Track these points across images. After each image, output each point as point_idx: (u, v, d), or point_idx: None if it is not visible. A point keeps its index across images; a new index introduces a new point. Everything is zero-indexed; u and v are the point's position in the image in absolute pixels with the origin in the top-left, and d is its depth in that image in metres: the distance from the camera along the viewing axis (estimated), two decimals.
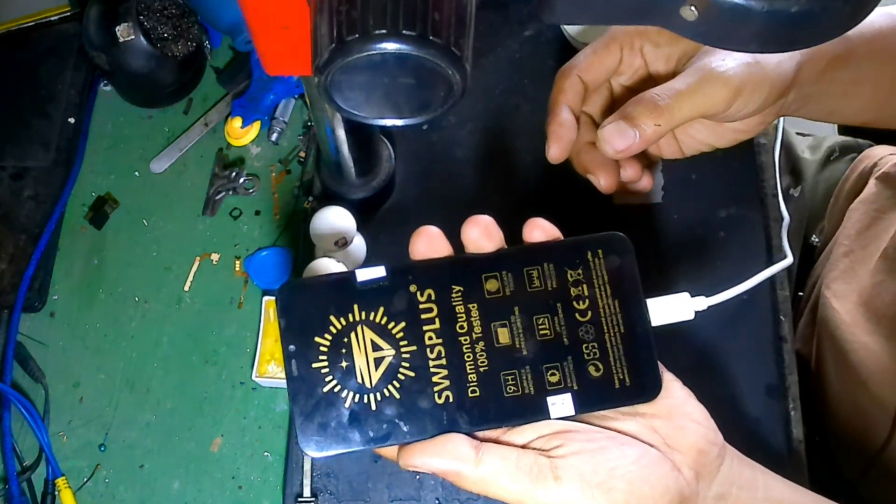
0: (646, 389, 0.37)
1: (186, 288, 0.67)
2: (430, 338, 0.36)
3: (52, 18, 0.74)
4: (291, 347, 0.36)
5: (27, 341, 0.66)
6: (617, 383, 0.37)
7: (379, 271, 0.37)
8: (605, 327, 0.37)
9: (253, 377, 0.61)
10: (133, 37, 0.65)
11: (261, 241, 0.68)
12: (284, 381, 0.60)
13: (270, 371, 0.60)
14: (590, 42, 0.69)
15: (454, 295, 0.37)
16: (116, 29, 0.65)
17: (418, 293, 0.37)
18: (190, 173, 0.71)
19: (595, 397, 0.37)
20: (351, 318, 0.36)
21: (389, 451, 0.36)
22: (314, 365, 0.36)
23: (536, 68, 0.72)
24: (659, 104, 0.45)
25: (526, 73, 0.72)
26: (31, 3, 0.74)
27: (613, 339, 0.37)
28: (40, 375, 0.64)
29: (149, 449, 0.63)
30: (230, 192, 0.70)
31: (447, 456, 0.34)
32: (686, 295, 0.39)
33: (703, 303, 0.40)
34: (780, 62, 0.46)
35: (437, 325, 0.36)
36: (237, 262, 0.68)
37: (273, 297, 0.63)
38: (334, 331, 0.36)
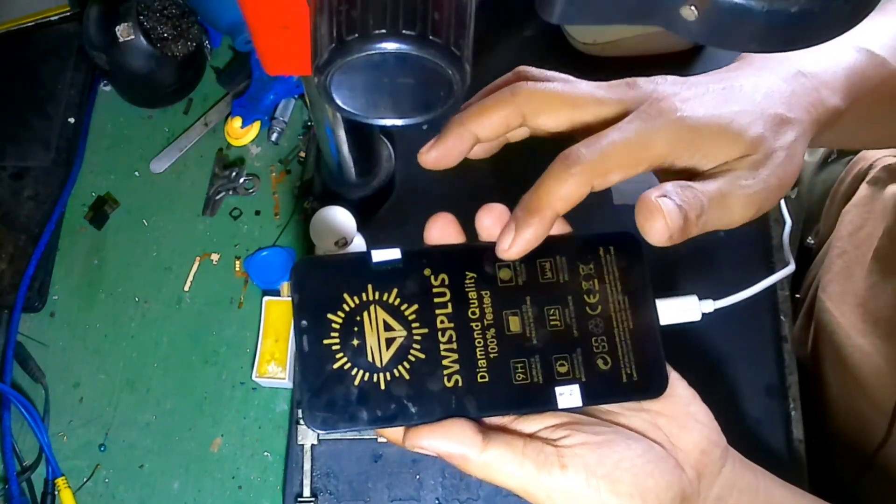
0: (652, 386, 0.37)
1: (186, 288, 0.67)
2: (442, 321, 0.36)
3: (52, 18, 0.74)
4: (303, 323, 0.36)
5: (27, 341, 0.66)
6: (624, 378, 0.37)
7: (394, 253, 0.37)
8: (614, 322, 0.38)
9: (253, 377, 0.61)
10: (133, 37, 0.65)
11: (261, 241, 0.68)
12: (284, 381, 0.60)
13: (270, 371, 0.60)
14: (590, 42, 0.69)
15: (467, 281, 0.37)
16: (116, 29, 0.65)
17: (432, 277, 0.37)
18: (190, 173, 0.71)
19: (602, 390, 0.37)
20: (364, 298, 0.36)
21: (394, 434, 0.36)
22: (325, 341, 0.35)
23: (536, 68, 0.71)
24: (701, 211, 0.37)
25: None
26: (31, 3, 0.74)
27: (622, 334, 0.38)
28: (40, 375, 0.64)
29: (149, 449, 0.63)
30: (230, 192, 0.70)
31: (454, 439, 0.34)
32: (694, 298, 0.40)
33: (710, 305, 0.40)
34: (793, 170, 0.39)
35: (449, 310, 0.37)
36: (237, 262, 0.68)
37: (273, 298, 0.63)
38: (347, 309, 0.36)
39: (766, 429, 0.60)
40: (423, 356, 0.36)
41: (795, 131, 0.39)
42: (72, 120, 0.72)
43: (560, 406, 0.36)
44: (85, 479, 0.62)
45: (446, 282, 0.37)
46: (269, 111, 0.72)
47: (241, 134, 0.71)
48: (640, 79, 0.41)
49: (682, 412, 0.38)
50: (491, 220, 0.38)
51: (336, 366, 0.35)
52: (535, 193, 0.38)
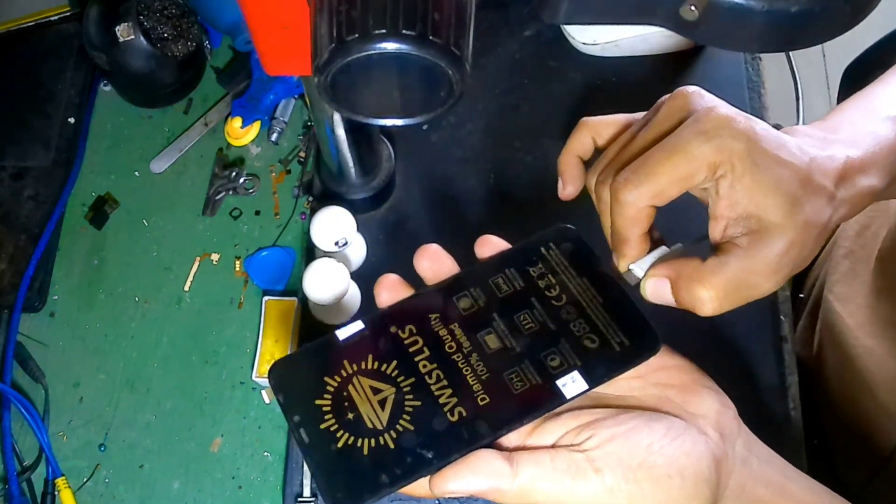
0: (646, 344, 0.37)
1: (186, 288, 0.67)
2: (425, 366, 0.37)
3: (52, 18, 0.74)
4: (296, 417, 0.36)
5: (27, 341, 0.66)
6: (617, 347, 0.37)
7: (357, 325, 0.38)
8: (584, 303, 0.38)
9: (253, 377, 0.61)
10: (133, 37, 0.65)
11: (261, 241, 0.68)
12: None
13: None
14: (590, 42, 0.69)
15: (433, 322, 0.38)
16: (116, 29, 0.65)
17: (399, 332, 0.38)
18: (190, 173, 0.71)
19: (602, 366, 0.37)
20: (344, 374, 0.37)
21: (420, 489, 0.35)
22: (322, 426, 0.35)
23: (536, 68, 0.72)
24: (707, 281, 0.38)
25: (526, 73, 0.72)
26: (31, 3, 0.74)
27: (596, 310, 0.38)
28: (40, 375, 0.64)
29: (149, 449, 0.63)
30: (230, 192, 0.70)
31: (482, 474, 0.34)
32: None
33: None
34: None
35: (426, 353, 0.37)
36: (237, 262, 0.68)
37: (273, 298, 0.63)
38: (332, 389, 0.36)
39: (766, 429, 0.59)
40: (419, 403, 0.36)
41: (831, 208, 0.38)
42: (72, 120, 0.72)
43: (568, 396, 0.36)
44: (85, 479, 0.62)
45: (414, 331, 0.38)
46: (269, 111, 0.72)
47: (241, 134, 0.71)
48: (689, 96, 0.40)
49: (687, 380, 0.38)
50: (429, 261, 0.39)
51: (340, 444, 0.35)
52: (612, 229, 0.40)
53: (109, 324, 0.66)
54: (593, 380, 0.36)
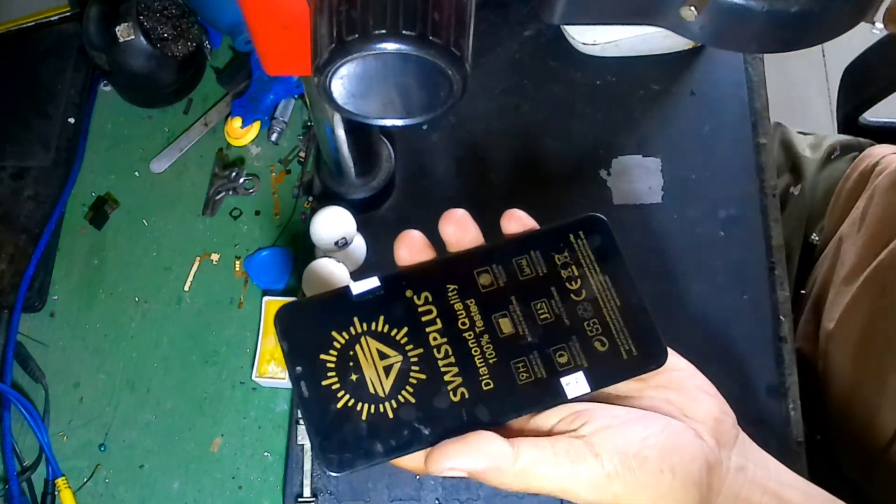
0: (653, 357, 0.37)
1: (186, 288, 0.67)
2: (435, 338, 0.36)
3: (52, 18, 0.74)
4: (298, 369, 0.35)
5: (27, 341, 0.66)
6: (624, 354, 0.37)
7: (373, 282, 0.37)
8: (601, 303, 0.38)
9: (253, 377, 0.61)
10: (133, 37, 0.65)
11: (261, 241, 0.68)
12: (284, 381, 0.60)
13: (270, 371, 0.60)
14: (590, 42, 0.69)
15: (450, 294, 0.37)
16: (116, 29, 0.65)
17: (415, 297, 0.37)
18: (190, 173, 0.71)
19: (606, 371, 0.37)
20: (353, 331, 0.36)
21: (414, 462, 0.35)
22: (324, 383, 0.35)
23: (536, 68, 0.72)
24: None
25: (526, 73, 0.72)
26: (31, 3, 0.74)
27: (611, 312, 0.38)
28: (40, 375, 0.64)
29: (149, 449, 0.63)
30: (230, 192, 0.70)
31: (484, 454, 0.33)
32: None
33: None
34: None
35: (439, 326, 0.36)
36: (237, 262, 0.68)
37: (273, 298, 0.63)
38: (338, 346, 0.36)
39: (766, 429, 0.60)
40: (423, 376, 0.35)
41: None
42: (72, 120, 0.72)
43: (569, 396, 0.36)
44: (85, 479, 0.62)
45: (430, 299, 0.37)
46: (269, 111, 0.72)
47: (241, 134, 0.71)
48: None
49: (688, 385, 0.38)
50: (454, 228, 0.38)
51: (340, 405, 0.35)
52: None
53: (109, 324, 0.66)
54: (595, 383, 0.36)
